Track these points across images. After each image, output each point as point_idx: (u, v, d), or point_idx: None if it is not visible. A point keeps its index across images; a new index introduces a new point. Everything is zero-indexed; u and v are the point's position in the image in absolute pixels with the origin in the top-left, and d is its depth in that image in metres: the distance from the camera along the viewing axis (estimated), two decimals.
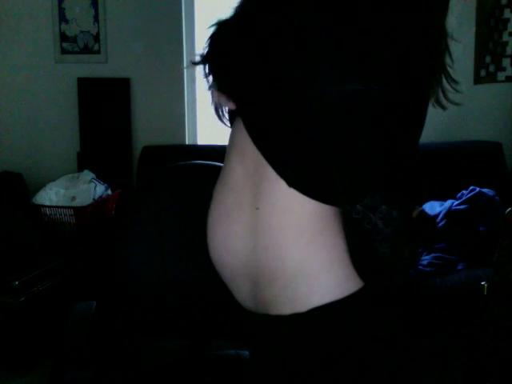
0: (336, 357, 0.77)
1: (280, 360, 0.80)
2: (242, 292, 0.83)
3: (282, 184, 0.75)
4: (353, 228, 0.73)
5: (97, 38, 3.16)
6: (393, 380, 0.82)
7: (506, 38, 2.95)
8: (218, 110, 0.87)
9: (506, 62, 2.97)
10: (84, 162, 3.18)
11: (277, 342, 0.80)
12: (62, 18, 3.18)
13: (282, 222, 0.76)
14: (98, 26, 3.14)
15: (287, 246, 0.76)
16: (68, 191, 2.89)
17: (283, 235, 0.76)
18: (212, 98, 0.85)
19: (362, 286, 0.78)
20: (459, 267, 2.36)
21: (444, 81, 0.77)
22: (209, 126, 3.23)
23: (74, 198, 2.86)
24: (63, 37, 3.19)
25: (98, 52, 3.17)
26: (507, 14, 2.93)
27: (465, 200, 2.55)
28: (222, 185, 0.84)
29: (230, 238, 0.81)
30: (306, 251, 0.76)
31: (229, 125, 0.87)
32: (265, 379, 0.84)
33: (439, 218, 2.52)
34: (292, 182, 0.75)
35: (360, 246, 0.73)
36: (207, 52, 0.83)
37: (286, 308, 0.77)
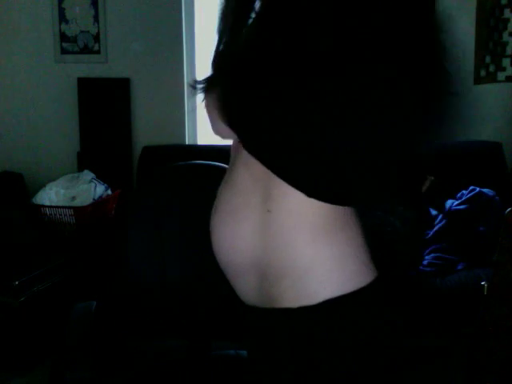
0: (343, 349, 0.79)
1: (286, 351, 0.81)
2: (246, 288, 0.84)
3: (293, 189, 0.77)
4: (375, 233, 0.76)
5: (97, 38, 3.16)
6: (393, 379, 0.83)
7: (506, 38, 2.95)
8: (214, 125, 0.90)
9: (506, 62, 2.96)
10: (84, 162, 3.18)
11: (283, 334, 0.81)
12: (62, 18, 3.17)
13: (295, 224, 0.78)
14: (98, 26, 3.14)
15: (299, 245, 0.78)
16: (68, 191, 2.89)
17: (296, 236, 0.78)
18: (209, 118, 0.90)
19: (371, 280, 0.79)
20: (459, 267, 2.35)
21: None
22: (209, 126, 3.23)
23: (74, 198, 2.86)
24: (63, 37, 3.19)
25: (98, 52, 3.17)
26: (507, 13, 2.93)
27: (465, 200, 2.55)
28: (227, 187, 0.86)
29: (238, 237, 0.82)
30: (317, 249, 0.78)
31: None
32: (270, 372, 0.85)
33: (439, 217, 2.52)
34: (311, 194, 0.76)
35: (380, 246, 0.77)
36: (210, 82, 0.86)
37: (294, 302, 0.78)
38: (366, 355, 0.79)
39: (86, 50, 3.18)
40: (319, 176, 0.76)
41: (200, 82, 0.88)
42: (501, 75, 2.98)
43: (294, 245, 0.78)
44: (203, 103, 0.90)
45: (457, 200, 2.58)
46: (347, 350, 0.79)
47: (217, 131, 0.90)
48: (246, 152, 0.81)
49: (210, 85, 0.87)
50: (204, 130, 3.25)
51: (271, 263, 0.79)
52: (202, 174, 1.61)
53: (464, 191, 2.61)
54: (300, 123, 0.76)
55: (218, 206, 0.87)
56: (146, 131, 3.19)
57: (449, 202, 2.58)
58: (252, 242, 0.81)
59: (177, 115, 3.15)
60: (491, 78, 2.99)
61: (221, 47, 0.86)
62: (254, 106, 0.79)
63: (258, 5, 0.83)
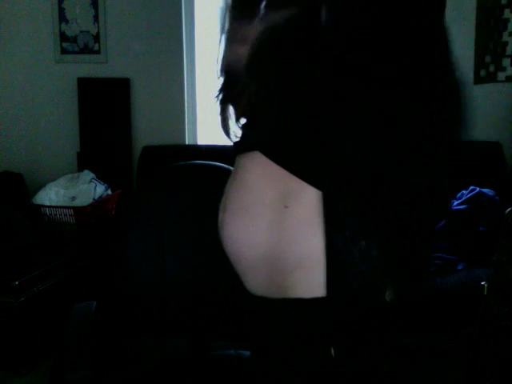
0: (350, 339, 0.82)
1: (296, 338, 0.84)
2: (256, 280, 0.88)
3: (310, 186, 0.81)
4: (334, 255, 0.79)
5: (97, 38, 3.16)
6: (393, 380, 0.84)
7: (506, 38, 2.95)
8: (226, 126, 0.94)
9: (506, 62, 2.96)
10: (84, 161, 3.18)
11: (294, 323, 0.85)
12: (62, 18, 3.18)
13: (313, 217, 0.81)
14: (98, 26, 3.14)
15: (316, 237, 0.81)
16: (68, 191, 2.89)
17: (313, 228, 0.81)
18: (221, 118, 0.94)
19: None
20: (459, 267, 2.36)
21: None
22: (209, 125, 3.23)
23: (73, 198, 2.86)
24: (63, 37, 3.19)
25: (98, 52, 3.17)
26: (507, 13, 2.93)
27: (465, 200, 2.55)
28: (236, 185, 0.89)
29: (251, 232, 0.85)
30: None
31: (234, 139, 0.95)
32: (278, 360, 0.88)
33: None
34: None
35: (337, 272, 0.80)
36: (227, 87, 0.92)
37: (307, 293, 0.82)
38: (369, 348, 0.83)
39: (86, 50, 3.18)
40: (339, 176, 0.80)
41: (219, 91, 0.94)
42: (501, 75, 2.98)
43: (310, 237, 0.81)
44: (218, 108, 0.94)
45: (457, 200, 2.58)
46: (354, 340, 0.82)
47: (230, 135, 0.95)
48: (259, 153, 0.85)
49: (226, 90, 0.92)
50: (204, 129, 3.25)
51: (286, 255, 0.82)
52: (202, 174, 1.61)
53: (464, 191, 2.61)
54: (320, 128, 0.80)
55: (227, 203, 0.89)
56: (146, 131, 3.19)
57: None
58: (266, 236, 0.84)
59: (177, 115, 3.15)
60: (491, 78, 2.99)
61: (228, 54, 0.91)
62: (276, 113, 0.85)
63: (262, 11, 0.86)
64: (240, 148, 0.90)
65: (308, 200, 0.81)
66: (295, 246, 0.82)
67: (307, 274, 0.81)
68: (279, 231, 0.83)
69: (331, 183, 0.80)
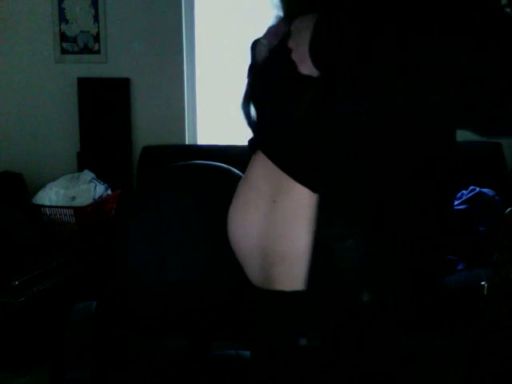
0: (329, 332, 0.84)
1: (278, 329, 0.90)
2: (252, 270, 0.94)
3: (299, 184, 0.85)
4: (319, 249, 0.81)
5: (97, 38, 3.16)
6: (392, 379, 0.86)
7: None
8: (249, 117, 1.02)
9: None
10: (84, 161, 3.18)
11: (277, 312, 0.90)
12: (62, 18, 3.17)
13: (296, 214, 0.85)
14: (98, 26, 3.14)
15: (299, 233, 0.84)
16: (68, 191, 2.89)
17: (297, 224, 0.85)
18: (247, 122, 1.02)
19: None
20: (459, 267, 2.35)
21: None
22: (209, 125, 3.23)
23: (74, 198, 2.86)
24: (63, 37, 3.19)
25: (98, 52, 3.17)
26: None
27: (465, 200, 2.55)
28: (244, 182, 0.97)
29: (248, 225, 0.92)
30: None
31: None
32: (265, 345, 0.94)
33: None
34: (317, 191, 0.84)
35: (321, 267, 0.82)
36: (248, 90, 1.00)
37: (288, 286, 0.86)
38: (352, 343, 0.85)
39: (86, 50, 3.18)
40: (323, 175, 0.83)
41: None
42: None
43: (293, 232, 0.85)
44: (243, 114, 1.02)
45: (457, 200, 2.58)
46: (332, 335, 0.84)
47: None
48: (263, 155, 0.91)
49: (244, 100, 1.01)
50: (204, 129, 3.25)
51: (272, 248, 0.87)
52: (202, 174, 1.61)
53: (464, 191, 2.61)
54: (308, 135, 0.85)
55: (234, 198, 0.97)
56: (145, 131, 3.19)
57: None
58: (258, 228, 0.89)
59: (177, 115, 3.15)
60: None
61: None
62: (272, 114, 0.92)
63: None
64: (251, 148, 0.98)
65: (296, 197, 0.85)
66: (280, 239, 0.86)
67: (290, 267, 0.85)
68: (267, 224, 0.88)
69: (324, 180, 0.83)
